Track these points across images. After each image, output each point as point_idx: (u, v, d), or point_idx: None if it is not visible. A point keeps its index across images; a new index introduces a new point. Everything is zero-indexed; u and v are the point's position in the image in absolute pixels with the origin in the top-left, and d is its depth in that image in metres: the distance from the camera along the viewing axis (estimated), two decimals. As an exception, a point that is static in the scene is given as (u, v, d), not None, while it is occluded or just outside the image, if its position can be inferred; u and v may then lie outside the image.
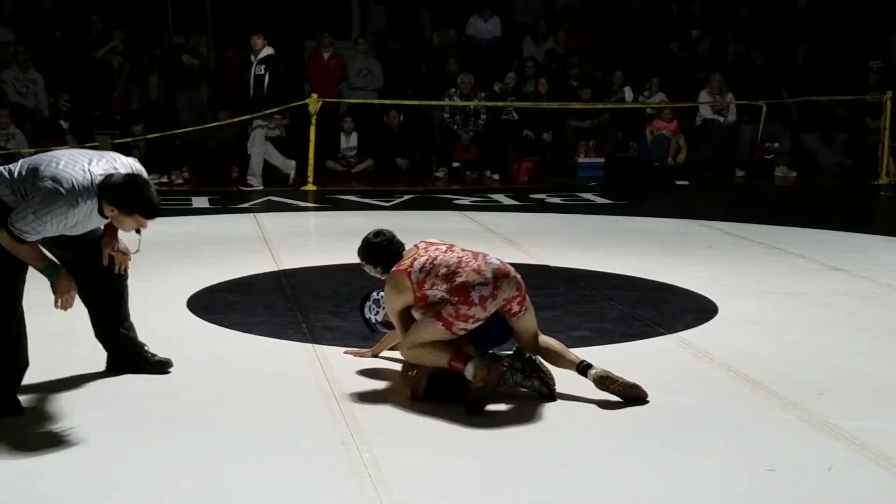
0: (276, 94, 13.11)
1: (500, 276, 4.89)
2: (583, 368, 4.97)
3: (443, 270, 4.87)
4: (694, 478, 4.08)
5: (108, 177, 4.57)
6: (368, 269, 5.25)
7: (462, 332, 4.86)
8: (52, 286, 4.70)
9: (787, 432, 4.60)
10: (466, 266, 4.88)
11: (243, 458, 4.18)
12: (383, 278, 5.16)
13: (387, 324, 5.33)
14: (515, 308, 4.95)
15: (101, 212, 4.62)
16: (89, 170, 4.58)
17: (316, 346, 5.84)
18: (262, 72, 12.97)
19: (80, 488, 3.90)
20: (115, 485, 3.93)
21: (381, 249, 5.16)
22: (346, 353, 5.63)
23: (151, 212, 4.61)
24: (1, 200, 4.60)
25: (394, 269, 5.02)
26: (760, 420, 4.77)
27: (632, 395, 4.90)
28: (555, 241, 9.60)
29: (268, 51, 13.07)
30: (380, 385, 5.16)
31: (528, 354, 5.01)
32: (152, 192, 4.64)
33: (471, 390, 4.72)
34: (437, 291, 4.85)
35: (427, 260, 4.96)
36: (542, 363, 4.99)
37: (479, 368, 4.70)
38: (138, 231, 4.77)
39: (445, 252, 5.00)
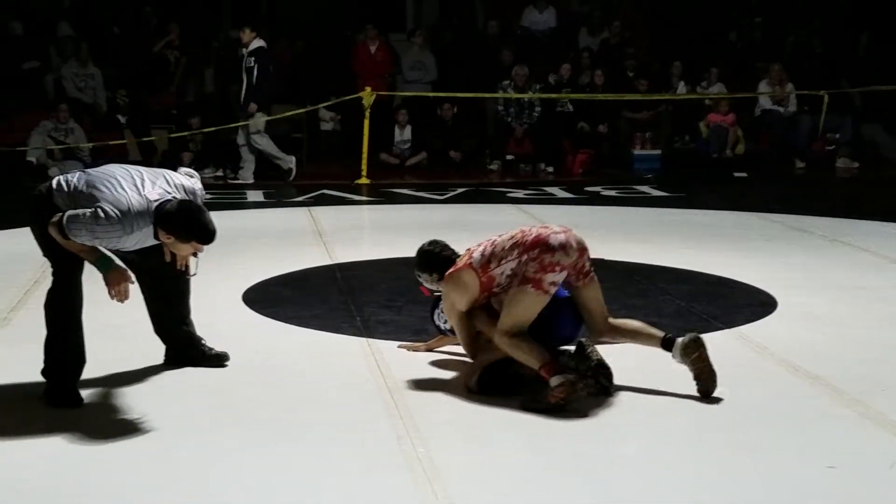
0: (267, 88, 13.06)
1: (566, 229, 4.95)
2: (668, 341, 4.95)
3: (508, 244, 4.91)
4: (753, 475, 4.01)
5: (163, 204, 4.57)
6: (424, 278, 5.26)
7: (553, 288, 4.82)
8: (105, 278, 4.71)
9: (847, 429, 4.52)
10: (531, 229, 4.95)
11: (299, 452, 4.18)
12: (438, 289, 5.16)
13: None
14: (587, 266, 4.94)
15: (156, 236, 4.64)
16: (145, 195, 4.58)
17: (370, 339, 5.83)
18: (252, 64, 12.95)
19: (141, 481, 3.91)
20: (175, 477, 3.95)
21: (436, 256, 5.20)
22: (399, 347, 5.62)
23: (207, 238, 4.62)
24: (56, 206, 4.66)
25: (450, 270, 5.00)
26: (821, 416, 4.69)
27: (706, 379, 4.82)
28: (610, 234, 9.51)
29: (257, 43, 13.00)
30: (434, 379, 5.14)
31: (587, 350, 4.96)
32: (207, 217, 4.63)
33: (542, 399, 4.64)
34: (507, 265, 4.85)
35: (484, 248, 4.98)
36: (598, 357, 4.93)
37: (566, 386, 4.63)
38: (195, 254, 4.81)
39: (499, 237, 5.01)
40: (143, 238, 4.66)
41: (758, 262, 8.18)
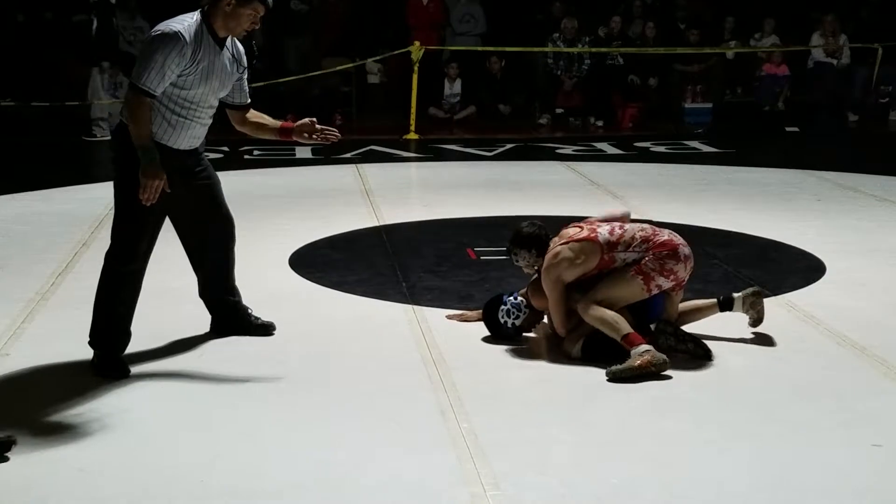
0: None
1: (688, 245, 5.19)
2: (725, 301, 5.37)
3: (639, 235, 5.09)
4: (794, 452, 4.00)
5: None
6: (523, 255, 5.23)
7: (656, 291, 5.03)
8: (142, 170, 4.59)
9: (895, 404, 4.49)
10: (661, 232, 5.16)
11: (342, 427, 4.23)
12: (533, 270, 5.22)
13: (521, 328, 5.31)
14: (685, 282, 5.22)
15: (212, 31, 4.70)
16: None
17: (416, 307, 5.86)
18: None
19: (187, 452, 3.98)
20: (221, 449, 4.02)
21: (537, 237, 5.23)
22: (448, 317, 5.62)
23: None
24: None
25: (572, 237, 5.08)
26: (867, 391, 4.67)
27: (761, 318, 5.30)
28: (659, 193, 9.46)
29: None
30: (479, 352, 5.16)
31: (671, 326, 5.15)
32: None
33: (628, 365, 4.73)
34: (631, 255, 5.03)
35: (612, 229, 5.12)
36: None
37: (653, 353, 4.77)
38: (252, 43, 4.85)
39: (629, 225, 5.21)
40: (209, 54, 4.70)
41: (807, 223, 8.10)
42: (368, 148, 12.19)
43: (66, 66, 14.17)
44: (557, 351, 5.09)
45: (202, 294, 5.33)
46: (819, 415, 4.38)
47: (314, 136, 5.17)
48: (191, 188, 4.97)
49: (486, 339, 5.31)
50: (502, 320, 5.29)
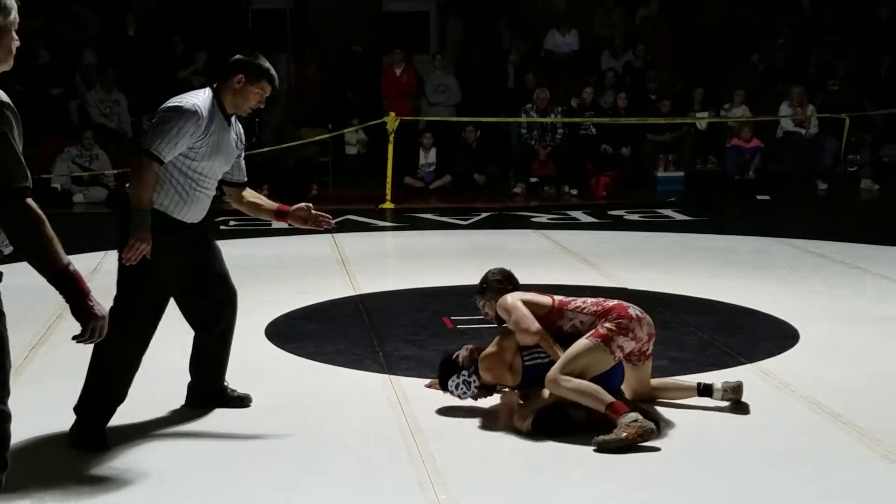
0: None
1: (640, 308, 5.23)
2: (705, 389, 5.31)
3: (590, 301, 5.17)
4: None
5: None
6: (488, 297, 5.30)
7: (620, 353, 5.00)
8: (133, 230, 4.67)
9: (870, 470, 4.52)
10: (609, 300, 5.22)
11: (319, 498, 4.21)
12: (489, 313, 5.31)
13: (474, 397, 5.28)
14: (650, 349, 5.20)
15: (221, 108, 4.88)
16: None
17: (392, 377, 5.86)
18: None
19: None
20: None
21: (511, 278, 5.33)
22: (427, 385, 5.60)
23: (273, 78, 4.99)
24: None
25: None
26: (843, 457, 4.69)
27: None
28: (633, 261, 9.53)
29: None
30: (458, 422, 5.14)
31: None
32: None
33: (615, 436, 4.70)
34: (584, 316, 5.08)
35: (563, 298, 5.22)
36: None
37: (642, 422, 4.72)
38: (257, 117, 5.03)
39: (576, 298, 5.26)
40: (219, 129, 4.87)
41: (780, 290, 8.18)
42: (345, 217, 12.22)
43: (40, 140, 14.23)
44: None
45: (193, 364, 5.32)
46: (797, 482, 4.40)
47: (308, 222, 5.29)
48: (195, 259, 5.04)
49: (464, 410, 5.29)
50: (451, 390, 5.25)
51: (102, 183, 13.60)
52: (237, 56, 5.02)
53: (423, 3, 18.54)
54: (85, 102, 14.76)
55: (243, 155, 5.25)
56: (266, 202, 5.37)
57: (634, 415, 4.76)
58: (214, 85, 4.96)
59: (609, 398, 4.85)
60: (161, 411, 5.24)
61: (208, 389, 5.31)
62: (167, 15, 16.44)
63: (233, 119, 5.03)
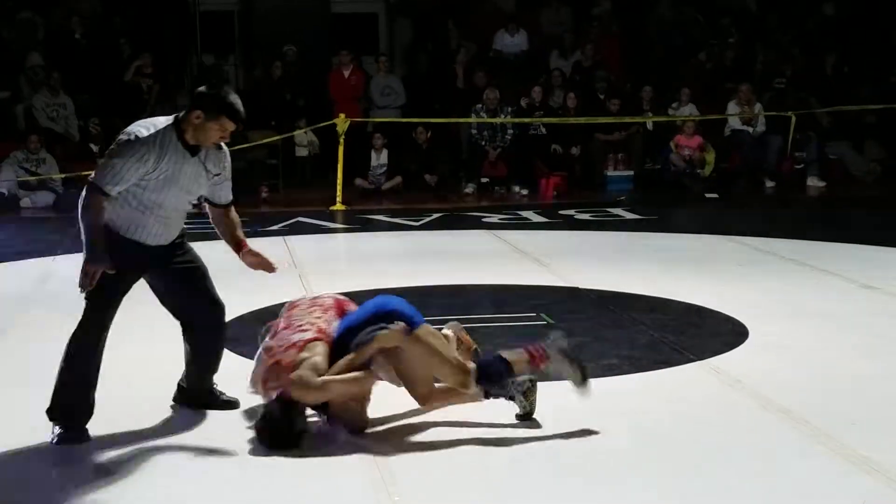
0: None
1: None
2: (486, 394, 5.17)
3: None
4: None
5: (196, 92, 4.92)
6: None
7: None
8: (85, 262, 4.75)
9: (819, 466, 4.57)
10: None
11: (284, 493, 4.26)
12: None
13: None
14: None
15: (182, 140, 4.79)
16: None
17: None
18: None
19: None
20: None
21: None
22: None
23: (236, 114, 4.81)
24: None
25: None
26: (791, 453, 4.73)
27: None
28: (584, 260, 9.59)
29: None
30: (408, 423, 5.15)
31: None
32: (237, 98, 4.85)
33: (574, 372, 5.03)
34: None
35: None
36: None
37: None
38: (220, 147, 4.97)
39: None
40: (176, 161, 4.80)
41: (729, 287, 8.26)
42: (296, 219, 12.20)
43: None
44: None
45: (187, 370, 5.33)
46: (746, 478, 4.43)
47: (255, 267, 5.39)
48: (172, 273, 5.07)
49: (414, 412, 5.28)
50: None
51: (49, 187, 13.45)
52: (200, 89, 4.92)
53: (372, 4, 18.53)
54: (31, 106, 14.59)
55: (225, 179, 5.16)
56: (236, 233, 5.31)
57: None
58: (178, 115, 4.86)
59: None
60: (148, 412, 5.26)
61: (196, 391, 5.31)
62: (114, 17, 16.31)
63: (202, 150, 4.91)
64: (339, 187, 13.36)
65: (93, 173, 4.83)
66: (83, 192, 4.83)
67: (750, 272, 8.92)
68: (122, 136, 4.80)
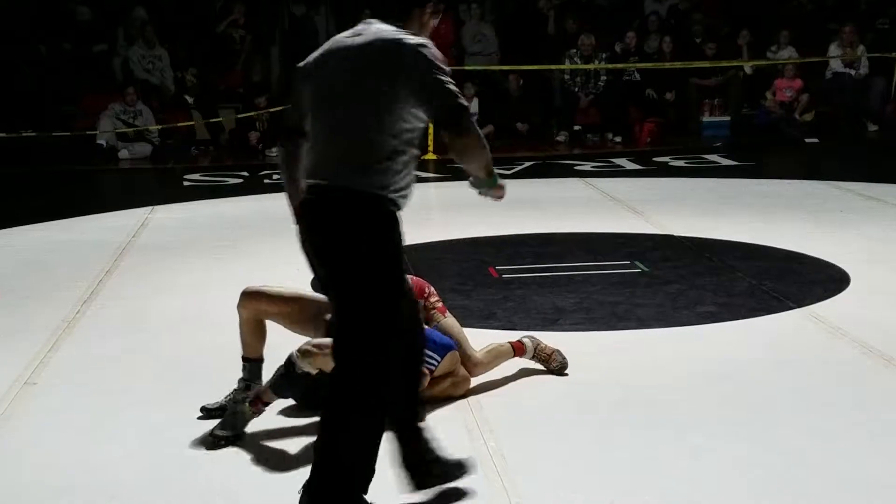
0: None
1: None
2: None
3: None
4: (823, 464, 3.97)
5: None
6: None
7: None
8: (498, 186, 3.94)
9: (924, 415, 4.46)
10: None
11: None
12: None
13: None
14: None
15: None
16: None
17: (440, 327, 5.84)
18: None
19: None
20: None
21: None
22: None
23: None
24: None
25: None
26: (894, 401, 4.62)
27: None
28: (679, 207, 9.44)
29: None
30: (504, 373, 5.13)
31: None
32: None
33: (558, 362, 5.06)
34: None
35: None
36: None
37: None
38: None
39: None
40: None
41: (830, 234, 8.07)
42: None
43: (81, 97, 14.32)
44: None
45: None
46: (846, 427, 4.35)
47: None
48: None
49: (510, 363, 5.26)
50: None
51: (146, 139, 13.65)
52: None
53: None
54: (128, 58, 14.77)
55: None
56: None
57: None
58: (399, 23, 3.73)
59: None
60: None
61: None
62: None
63: None
64: (430, 137, 13.32)
65: (450, 96, 3.54)
66: (461, 120, 3.57)
67: (852, 218, 8.69)
68: (425, 48, 3.64)
